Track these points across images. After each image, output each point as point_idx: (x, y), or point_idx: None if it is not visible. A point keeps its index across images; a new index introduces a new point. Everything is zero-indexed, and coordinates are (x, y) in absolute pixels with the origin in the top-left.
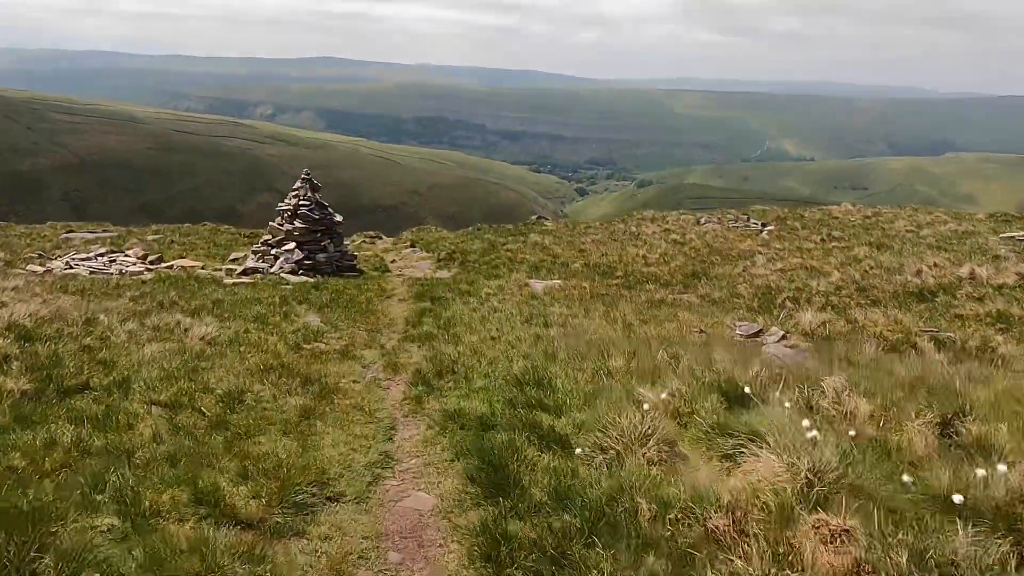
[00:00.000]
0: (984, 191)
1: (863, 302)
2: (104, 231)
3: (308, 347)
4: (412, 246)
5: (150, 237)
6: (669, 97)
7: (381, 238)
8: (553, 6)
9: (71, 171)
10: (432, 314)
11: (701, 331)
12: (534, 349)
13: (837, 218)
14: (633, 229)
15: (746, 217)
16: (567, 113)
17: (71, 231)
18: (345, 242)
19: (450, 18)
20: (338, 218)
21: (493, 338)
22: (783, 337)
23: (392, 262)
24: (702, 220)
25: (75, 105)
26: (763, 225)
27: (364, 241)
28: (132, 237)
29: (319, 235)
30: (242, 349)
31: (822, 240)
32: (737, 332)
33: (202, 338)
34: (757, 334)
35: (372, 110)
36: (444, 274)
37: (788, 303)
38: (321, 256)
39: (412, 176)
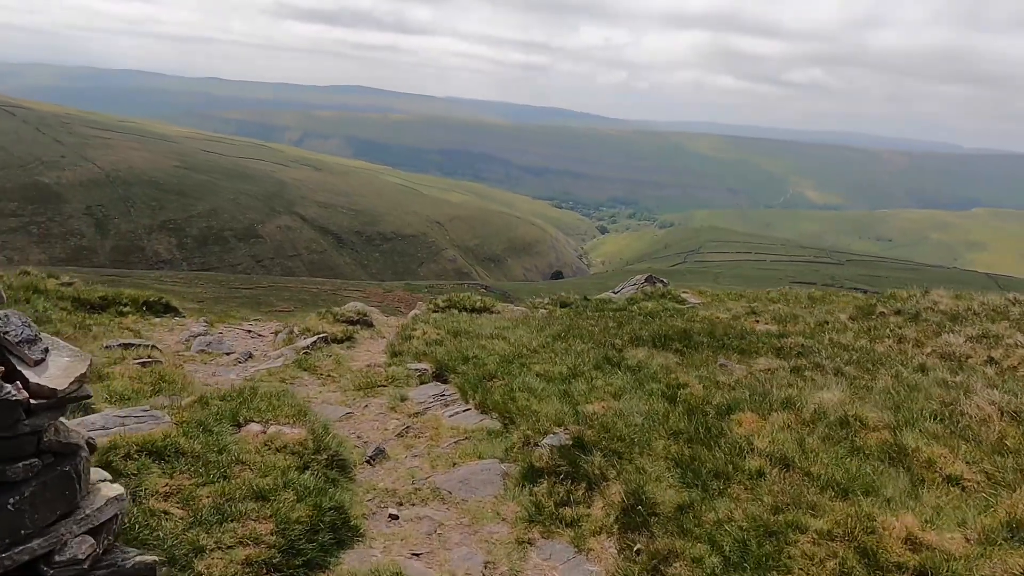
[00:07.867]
0: (993, 240)
1: None
2: None
3: None
4: (437, 377)
5: None
6: (692, 140)
7: (370, 325)
8: (580, 48)
9: (96, 185)
10: None
11: None
12: None
13: None
14: (932, 357)
15: None
16: (591, 151)
17: None
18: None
19: (480, 54)
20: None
21: None
22: None
23: (373, 459)
24: None
25: (105, 120)
26: None
27: (326, 336)
28: None
29: None
30: None
31: None
32: None
33: None
34: None
35: (399, 140)
36: None
37: None
38: None
39: (433, 206)
